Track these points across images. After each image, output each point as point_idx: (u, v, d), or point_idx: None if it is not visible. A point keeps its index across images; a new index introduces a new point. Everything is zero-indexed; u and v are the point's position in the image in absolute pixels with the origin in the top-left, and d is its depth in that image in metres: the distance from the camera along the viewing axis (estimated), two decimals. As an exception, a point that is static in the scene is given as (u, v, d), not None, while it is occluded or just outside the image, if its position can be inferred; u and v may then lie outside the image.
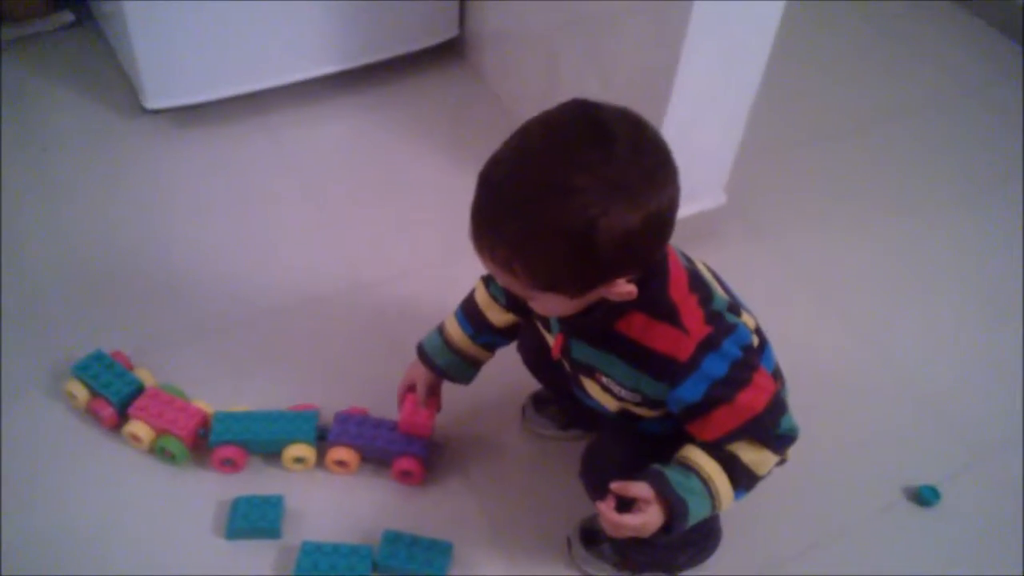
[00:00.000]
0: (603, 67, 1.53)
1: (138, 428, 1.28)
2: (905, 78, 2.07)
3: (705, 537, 1.21)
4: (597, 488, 1.11)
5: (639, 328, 0.98)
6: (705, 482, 1.00)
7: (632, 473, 1.01)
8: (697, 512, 1.00)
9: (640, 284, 0.93)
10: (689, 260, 1.06)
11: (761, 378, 1.00)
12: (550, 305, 0.97)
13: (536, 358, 1.24)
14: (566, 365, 1.09)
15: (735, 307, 1.05)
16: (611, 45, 1.49)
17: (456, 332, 1.22)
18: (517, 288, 0.92)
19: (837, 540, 1.30)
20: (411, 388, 1.28)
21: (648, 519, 0.98)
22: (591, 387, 1.08)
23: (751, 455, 1.01)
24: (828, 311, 1.60)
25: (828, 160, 1.87)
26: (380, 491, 1.30)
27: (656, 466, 1.01)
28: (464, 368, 1.24)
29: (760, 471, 1.02)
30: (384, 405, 1.34)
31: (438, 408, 1.28)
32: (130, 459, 1.30)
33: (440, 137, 1.82)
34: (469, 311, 1.22)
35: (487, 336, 1.22)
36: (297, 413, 1.32)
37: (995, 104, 2.02)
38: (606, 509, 0.99)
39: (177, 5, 1.60)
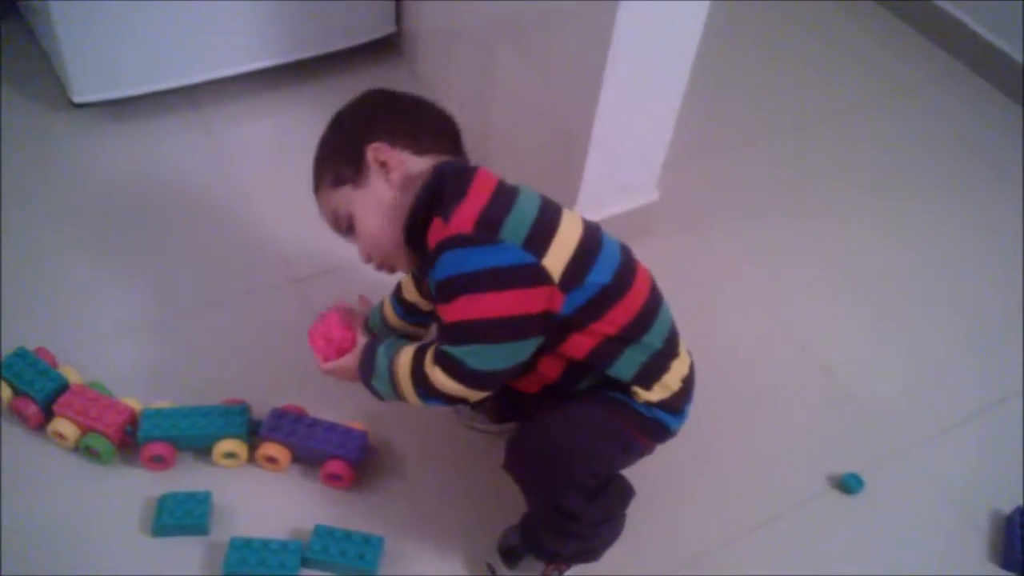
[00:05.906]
0: (537, 66, 1.54)
1: (63, 426, 1.26)
2: (836, 79, 2.12)
3: (615, 516, 1.22)
4: (525, 477, 1.13)
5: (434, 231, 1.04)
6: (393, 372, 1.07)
7: (557, 458, 1.06)
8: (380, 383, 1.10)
9: (436, 193, 1.04)
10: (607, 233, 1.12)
11: (490, 301, 0.99)
12: (361, 217, 1.10)
13: None
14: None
15: (546, 237, 1.02)
16: (544, 45, 1.50)
17: (390, 312, 1.30)
18: (328, 208, 1.14)
19: (764, 527, 1.33)
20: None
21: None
22: None
23: (435, 373, 1.03)
24: (757, 304, 1.63)
25: (760, 159, 1.90)
26: (311, 487, 1.30)
27: (380, 347, 1.10)
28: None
29: (430, 376, 1.03)
30: (318, 401, 1.33)
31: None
32: (55, 457, 1.28)
33: (377, 133, 1.81)
34: (397, 293, 1.30)
35: (416, 316, 1.29)
36: (228, 408, 1.30)
37: (926, 104, 2.07)
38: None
39: (104, -5, 1.57)
